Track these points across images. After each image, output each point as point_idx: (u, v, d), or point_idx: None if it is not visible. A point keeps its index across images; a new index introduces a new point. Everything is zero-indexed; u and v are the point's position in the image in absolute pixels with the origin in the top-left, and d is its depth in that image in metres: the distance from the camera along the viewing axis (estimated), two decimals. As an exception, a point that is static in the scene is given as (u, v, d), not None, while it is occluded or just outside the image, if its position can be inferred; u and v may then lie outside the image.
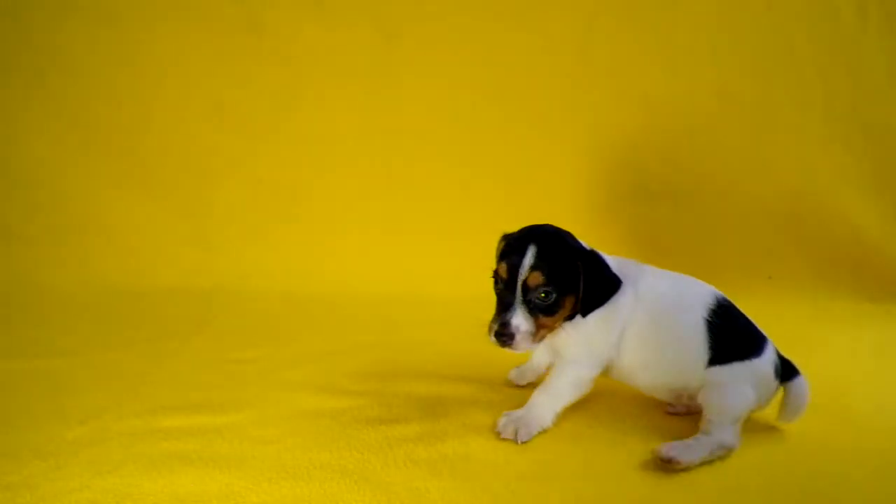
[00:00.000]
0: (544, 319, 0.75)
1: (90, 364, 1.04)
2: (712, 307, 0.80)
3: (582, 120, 1.57)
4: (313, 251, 1.56)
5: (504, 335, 0.74)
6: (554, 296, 0.74)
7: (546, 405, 0.79)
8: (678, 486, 0.70)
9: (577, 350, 0.79)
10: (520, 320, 0.74)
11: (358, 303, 1.42)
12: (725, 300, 0.82)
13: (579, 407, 0.88)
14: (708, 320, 0.79)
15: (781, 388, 0.82)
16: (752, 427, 0.82)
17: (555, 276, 0.74)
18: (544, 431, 0.78)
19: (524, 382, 0.94)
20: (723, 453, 0.75)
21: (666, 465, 0.72)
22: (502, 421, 0.78)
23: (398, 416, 0.84)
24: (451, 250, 1.53)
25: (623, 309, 0.79)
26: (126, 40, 1.56)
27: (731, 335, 0.80)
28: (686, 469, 0.72)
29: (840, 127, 1.53)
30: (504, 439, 0.76)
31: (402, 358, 1.06)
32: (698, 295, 0.82)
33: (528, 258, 0.74)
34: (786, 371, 0.82)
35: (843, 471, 0.74)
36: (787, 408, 0.82)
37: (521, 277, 0.74)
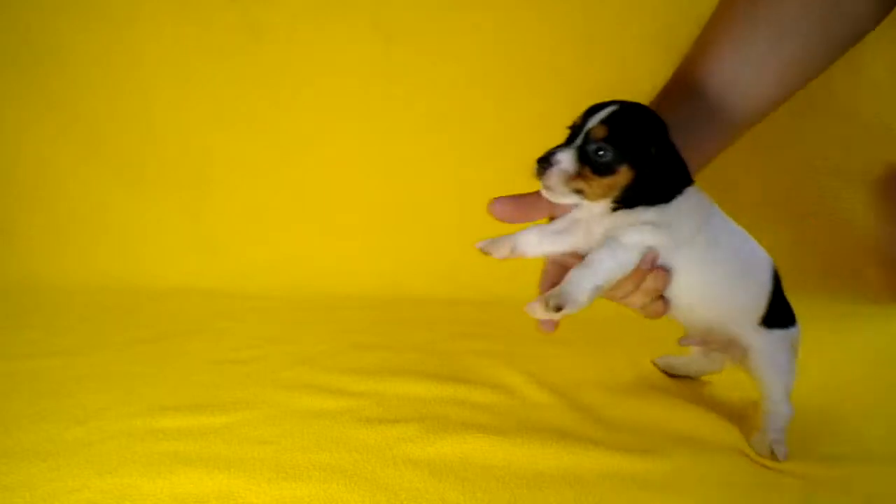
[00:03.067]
0: (589, 173, 0.69)
1: (90, 364, 1.04)
2: (774, 267, 0.79)
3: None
4: (313, 251, 1.56)
5: (544, 161, 0.70)
6: (609, 156, 0.68)
7: (584, 281, 0.69)
8: (665, 485, 0.70)
9: (632, 234, 0.71)
10: (565, 156, 0.69)
11: (358, 303, 1.42)
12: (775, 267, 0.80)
13: (583, 406, 0.88)
14: (773, 275, 0.78)
15: None
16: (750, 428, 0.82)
17: (621, 140, 0.68)
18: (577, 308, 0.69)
19: (497, 256, 0.78)
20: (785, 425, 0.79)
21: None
22: (533, 303, 0.69)
23: (397, 417, 0.84)
24: (451, 250, 1.52)
25: (692, 215, 0.72)
26: (126, 40, 1.56)
27: (782, 299, 0.80)
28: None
29: (840, 127, 1.53)
30: (536, 318, 0.69)
31: (402, 358, 1.06)
32: (762, 251, 0.79)
33: (604, 112, 0.70)
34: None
35: (843, 471, 0.74)
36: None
37: (588, 125, 0.70)
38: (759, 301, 0.78)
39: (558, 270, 0.77)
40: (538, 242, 0.77)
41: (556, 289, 0.69)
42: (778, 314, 0.79)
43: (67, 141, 1.59)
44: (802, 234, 1.50)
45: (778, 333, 0.79)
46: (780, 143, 1.53)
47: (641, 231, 0.71)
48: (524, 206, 0.78)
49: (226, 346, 1.13)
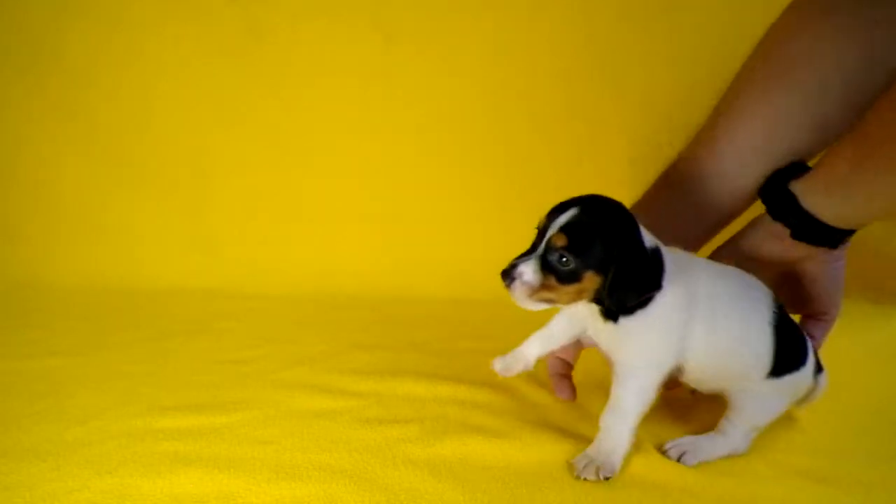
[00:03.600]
0: (553, 283, 0.69)
1: (90, 364, 1.04)
2: (774, 310, 0.74)
3: (582, 120, 1.57)
4: (313, 251, 1.56)
5: (507, 275, 0.69)
6: (572, 265, 0.67)
7: (618, 427, 0.72)
8: (682, 487, 0.70)
9: (633, 356, 0.72)
10: (528, 269, 0.69)
11: (358, 303, 1.42)
12: (778, 300, 0.76)
13: (583, 406, 0.88)
14: (774, 326, 0.74)
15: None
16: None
17: (581, 246, 0.67)
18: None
19: (512, 374, 0.83)
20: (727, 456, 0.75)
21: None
22: (581, 463, 0.71)
23: (397, 417, 0.84)
24: (451, 250, 1.52)
25: (677, 309, 0.71)
26: (126, 40, 1.56)
27: (790, 343, 0.76)
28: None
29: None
30: (587, 480, 0.70)
31: (402, 358, 1.06)
32: (759, 295, 0.75)
33: (564, 217, 0.68)
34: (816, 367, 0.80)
35: (843, 470, 0.74)
36: (805, 400, 0.81)
37: (549, 232, 0.69)
38: (763, 360, 0.74)
39: (561, 364, 0.88)
40: (543, 346, 0.81)
41: (596, 451, 0.72)
42: (785, 361, 0.75)
43: (67, 141, 1.59)
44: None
45: (786, 379, 0.75)
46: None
47: (642, 348, 0.72)
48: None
49: (226, 346, 1.13)
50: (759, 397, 0.75)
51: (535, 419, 0.84)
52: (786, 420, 0.85)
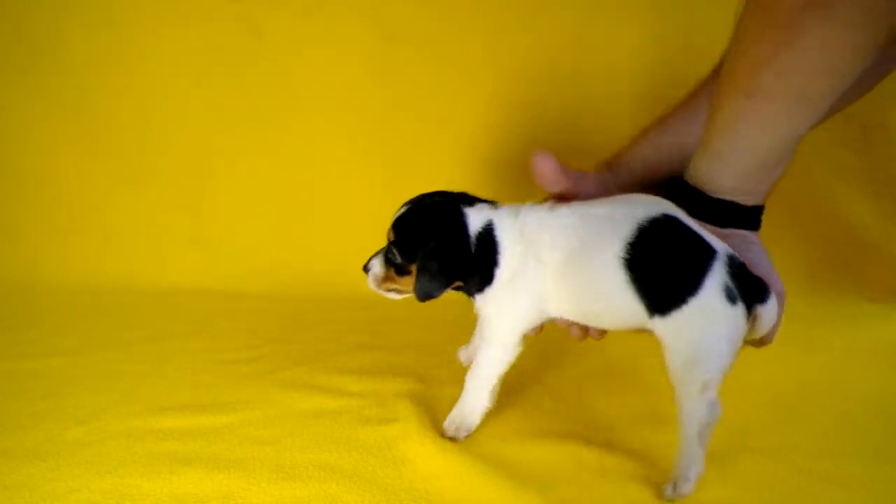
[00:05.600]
0: (392, 274, 0.80)
1: (90, 364, 1.04)
2: (630, 240, 0.66)
3: (582, 120, 1.57)
4: (313, 251, 1.56)
5: (365, 268, 0.81)
6: (398, 259, 0.78)
7: (476, 389, 0.78)
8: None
9: (487, 328, 0.78)
10: (375, 262, 0.81)
11: (358, 303, 1.42)
12: (652, 222, 0.66)
13: (579, 406, 0.88)
14: (626, 258, 0.66)
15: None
16: (750, 430, 0.82)
17: (404, 242, 0.77)
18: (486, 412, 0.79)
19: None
20: (709, 431, 0.65)
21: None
22: (446, 424, 0.79)
23: (397, 417, 0.84)
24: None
25: (514, 282, 0.74)
26: (126, 40, 1.56)
27: (662, 274, 0.65)
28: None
29: (840, 127, 1.53)
30: (451, 437, 0.77)
31: (401, 358, 1.06)
32: (611, 229, 0.68)
33: (396, 215, 0.79)
34: (750, 292, 0.65)
35: (842, 472, 0.74)
36: (756, 334, 0.68)
37: (388, 229, 0.80)
38: (624, 300, 0.67)
39: None
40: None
41: (458, 412, 0.78)
42: (661, 296, 0.65)
43: (67, 141, 1.59)
44: (802, 235, 1.50)
45: (678, 316, 0.64)
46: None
47: (497, 322, 0.77)
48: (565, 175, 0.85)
49: (226, 346, 1.13)
50: (674, 344, 0.66)
51: (535, 420, 0.84)
52: (786, 420, 0.85)
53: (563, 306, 0.74)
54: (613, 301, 0.69)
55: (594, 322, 0.75)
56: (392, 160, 1.57)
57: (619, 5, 1.53)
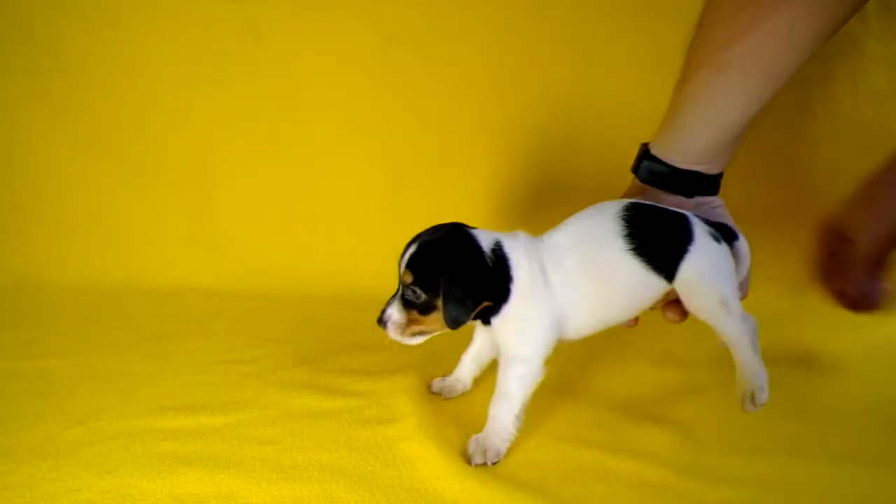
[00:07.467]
0: (416, 316, 0.76)
1: (90, 364, 1.04)
2: (625, 233, 0.75)
3: (582, 120, 1.57)
4: (313, 251, 1.56)
5: (380, 321, 0.77)
6: (423, 297, 0.74)
7: (503, 413, 0.76)
8: (665, 483, 0.70)
9: (510, 349, 0.77)
10: (392, 311, 0.77)
11: (358, 303, 1.42)
12: (627, 210, 0.77)
13: (579, 406, 0.88)
14: (634, 249, 0.75)
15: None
16: (750, 429, 0.82)
17: (424, 277, 0.74)
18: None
19: (454, 395, 0.91)
20: (756, 338, 0.77)
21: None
22: (471, 447, 0.75)
23: (397, 416, 0.84)
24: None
25: (529, 298, 0.75)
26: (127, 40, 1.56)
27: (663, 244, 0.76)
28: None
29: (840, 127, 1.53)
30: (478, 465, 0.73)
31: (401, 358, 1.06)
32: (604, 231, 0.76)
33: (407, 255, 0.76)
34: (724, 235, 0.79)
35: (843, 470, 0.74)
36: (741, 266, 0.82)
37: (399, 272, 0.76)
38: (648, 279, 0.75)
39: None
40: (474, 364, 0.90)
41: (485, 437, 0.75)
42: (667, 261, 0.75)
43: (68, 141, 1.59)
44: (801, 236, 1.50)
45: (686, 267, 0.75)
46: (779, 145, 1.53)
47: (518, 338, 0.76)
48: None
49: (226, 346, 1.13)
50: (697, 283, 0.76)
51: (534, 419, 0.84)
52: (786, 420, 0.85)
53: (581, 323, 0.78)
54: (637, 290, 0.76)
55: (616, 322, 0.79)
56: (392, 160, 1.57)
57: (625, 3, 1.53)
